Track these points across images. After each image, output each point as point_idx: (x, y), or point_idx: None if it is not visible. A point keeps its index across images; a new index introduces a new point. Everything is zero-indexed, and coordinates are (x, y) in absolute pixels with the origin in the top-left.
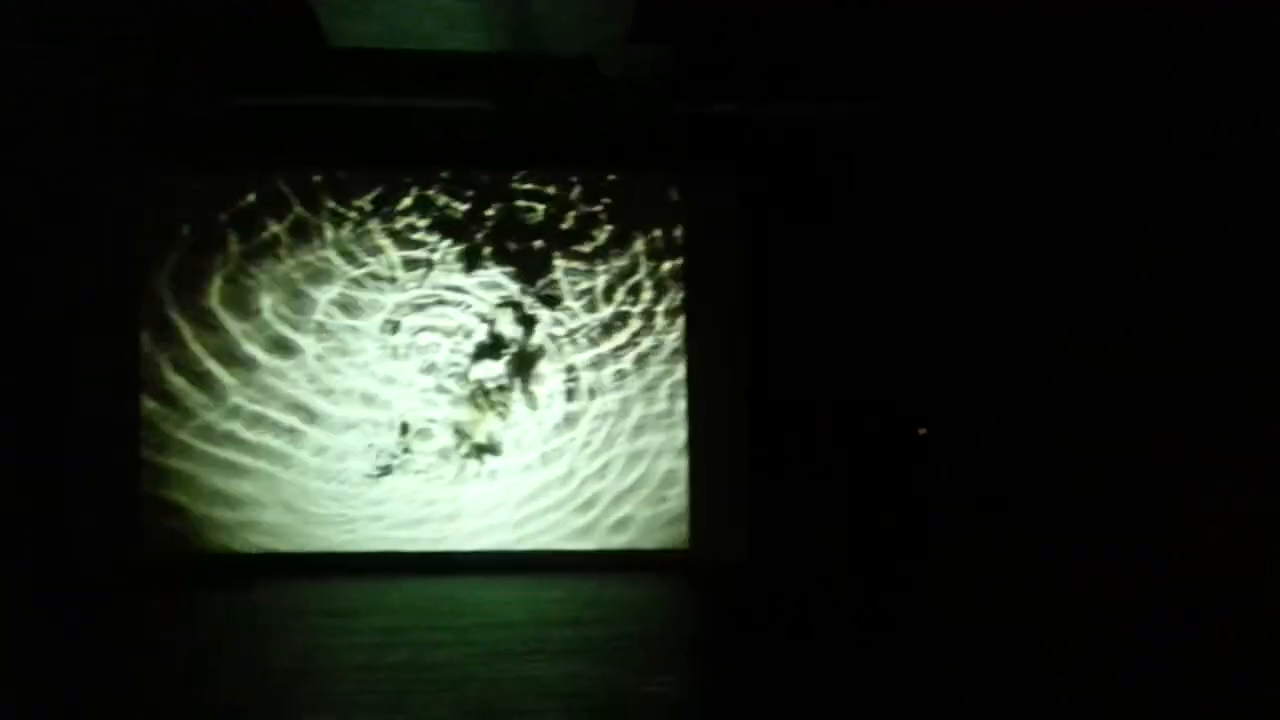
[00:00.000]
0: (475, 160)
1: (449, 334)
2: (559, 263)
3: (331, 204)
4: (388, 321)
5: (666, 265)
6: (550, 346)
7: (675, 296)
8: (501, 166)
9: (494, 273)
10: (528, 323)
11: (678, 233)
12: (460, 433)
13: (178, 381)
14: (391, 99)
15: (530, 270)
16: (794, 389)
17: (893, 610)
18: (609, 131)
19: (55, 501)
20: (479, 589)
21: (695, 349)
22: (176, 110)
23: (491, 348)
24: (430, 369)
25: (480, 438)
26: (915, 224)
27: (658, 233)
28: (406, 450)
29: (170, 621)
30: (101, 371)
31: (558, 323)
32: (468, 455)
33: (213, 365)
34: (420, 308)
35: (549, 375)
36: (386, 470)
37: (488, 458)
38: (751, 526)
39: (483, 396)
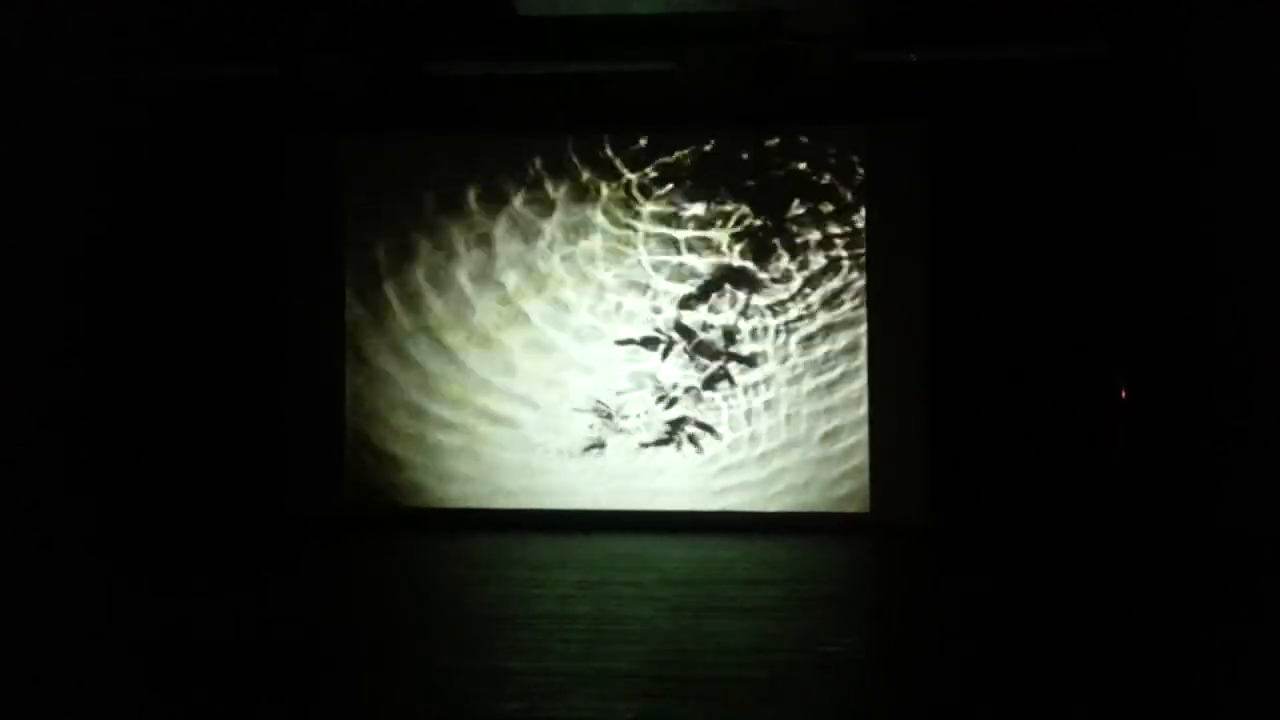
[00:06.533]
0: (662, 123)
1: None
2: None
3: (528, 171)
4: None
5: (849, 226)
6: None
7: (858, 256)
8: (687, 128)
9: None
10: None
11: (859, 194)
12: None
13: (379, 350)
14: (574, 64)
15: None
16: (979, 351)
17: (1079, 577)
18: (794, 87)
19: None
20: (660, 547)
21: (877, 311)
22: (367, 80)
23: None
24: (641, 343)
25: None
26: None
27: (840, 193)
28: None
29: (371, 568)
30: (309, 340)
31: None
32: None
33: (413, 336)
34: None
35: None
36: (598, 445)
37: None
38: (933, 490)
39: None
